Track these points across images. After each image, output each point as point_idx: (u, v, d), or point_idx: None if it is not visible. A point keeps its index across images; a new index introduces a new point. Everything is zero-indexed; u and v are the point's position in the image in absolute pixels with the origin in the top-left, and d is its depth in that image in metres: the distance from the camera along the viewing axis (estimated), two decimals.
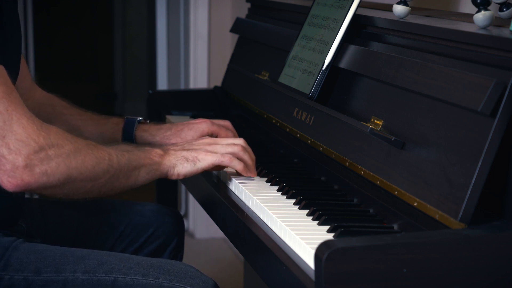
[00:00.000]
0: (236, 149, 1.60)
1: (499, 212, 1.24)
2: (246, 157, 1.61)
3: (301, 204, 1.47)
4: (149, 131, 1.80)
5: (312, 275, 1.17)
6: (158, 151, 1.56)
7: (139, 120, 1.82)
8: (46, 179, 1.36)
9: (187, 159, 1.56)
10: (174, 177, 1.56)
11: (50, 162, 1.36)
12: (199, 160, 1.57)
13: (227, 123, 1.82)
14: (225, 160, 1.58)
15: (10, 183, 1.34)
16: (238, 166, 1.60)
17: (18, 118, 1.35)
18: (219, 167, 1.63)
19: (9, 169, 1.33)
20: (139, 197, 1.95)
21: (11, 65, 1.43)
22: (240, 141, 1.63)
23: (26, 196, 1.70)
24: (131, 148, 1.53)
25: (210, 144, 1.60)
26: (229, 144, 1.61)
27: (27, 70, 1.83)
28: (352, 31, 1.71)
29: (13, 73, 1.41)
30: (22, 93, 1.61)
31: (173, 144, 1.65)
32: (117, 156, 1.48)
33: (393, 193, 1.37)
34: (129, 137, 1.80)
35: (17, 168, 1.33)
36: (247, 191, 1.55)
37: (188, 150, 1.58)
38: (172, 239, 1.89)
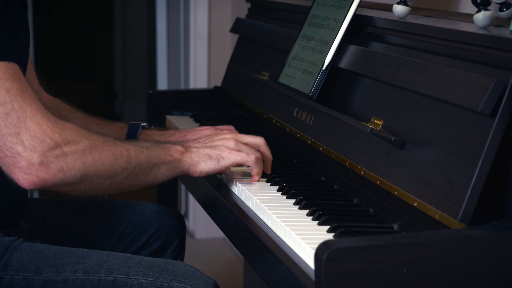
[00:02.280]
0: (258, 154, 1.59)
1: (499, 212, 1.24)
2: (263, 161, 1.61)
3: (301, 204, 1.47)
4: (152, 136, 1.79)
5: (312, 275, 1.17)
6: (179, 148, 1.54)
7: (143, 125, 1.82)
8: (62, 176, 1.34)
9: (210, 157, 1.54)
10: (196, 175, 1.54)
11: (66, 158, 1.35)
12: (223, 158, 1.55)
13: (230, 127, 1.80)
14: (250, 160, 1.57)
15: (26, 180, 1.32)
16: (256, 170, 1.59)
17: (33, 115, 1.33)
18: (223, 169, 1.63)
19: (25, 166, 1.31)
20: (139, 197, 1.95)
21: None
22: (261, 140, 1.63)
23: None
24: (150, 145, 1.51)
25: (231, 139, 1.59)
26: (253, 145, 1.61)
27: (34, 75, 1.82)
28: (352, 31, 1.71)
29: None
30: None
31: (193, 140, 1.63)
32: (136, 152, 1.45)
33: (393, 193, 1.37)
34: None
35: (32, 165, 1.31)
36: (247, 191, 1.55)
37: (210, 147, 1.56)
38: (173, 239, 1.89)
